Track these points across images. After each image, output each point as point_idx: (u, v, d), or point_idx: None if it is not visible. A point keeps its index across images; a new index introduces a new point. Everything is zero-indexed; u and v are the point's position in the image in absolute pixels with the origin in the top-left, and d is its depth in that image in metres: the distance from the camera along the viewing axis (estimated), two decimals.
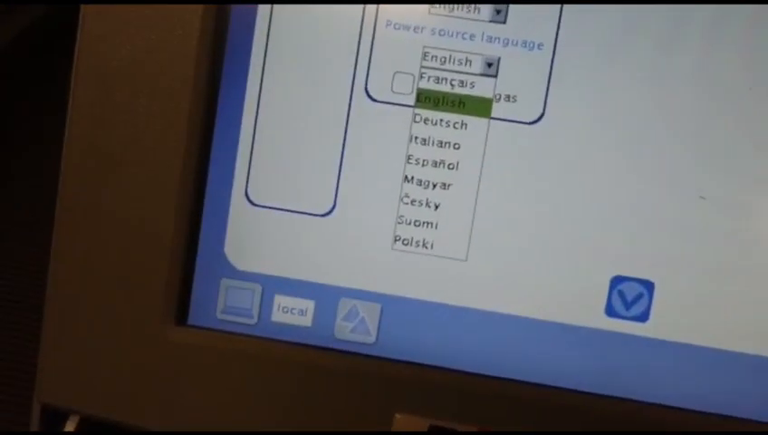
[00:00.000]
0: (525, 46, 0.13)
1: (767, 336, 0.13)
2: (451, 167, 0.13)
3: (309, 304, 0.14)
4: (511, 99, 0.13)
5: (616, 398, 0.13)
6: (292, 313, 0.14)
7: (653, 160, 0.13)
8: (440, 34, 0.13)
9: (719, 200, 0.13)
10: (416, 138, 0.13)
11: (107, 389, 0.14)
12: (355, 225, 0.14)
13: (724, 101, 0.13)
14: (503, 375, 0.14)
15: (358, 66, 0.13)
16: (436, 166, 0.13)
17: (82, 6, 0.13)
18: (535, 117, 0.13)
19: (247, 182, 0.14)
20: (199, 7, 0.13)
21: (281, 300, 0.14)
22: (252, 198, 0.14)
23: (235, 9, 0.13)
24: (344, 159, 0.13)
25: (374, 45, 0.13)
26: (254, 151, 0.14)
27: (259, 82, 0.13)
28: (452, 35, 0.13)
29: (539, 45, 0.13)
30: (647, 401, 0.13)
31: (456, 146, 0.13)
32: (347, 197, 0.14)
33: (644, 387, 0.13)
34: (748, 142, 0.13)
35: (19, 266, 0.20)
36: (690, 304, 0.13)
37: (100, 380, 0.14)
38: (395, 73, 0.13)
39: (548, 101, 0.13)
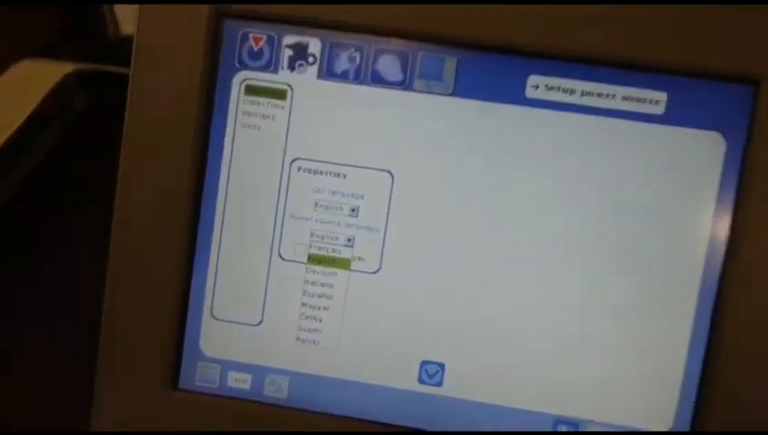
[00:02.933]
0: (369, 230, 0.23)
1: (538, 395, 0.23)
2: (329, 297, 0.23)
3: (247, 377, 0.24)
4: (361, 259, 0.23)
5: (429, 432, 0.23)
6: (239, 382, 0.24)
7: (449, 289, 0.23)
8: (321, 222, 0.23)
9: (494, 308, 0.23)
10: (307, 281, 0.23)
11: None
12: (276, 330, 0.23)
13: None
14: (366, 418, 0.23)
15: (274, 239, 0.23)
16: (320, 297, 0.23)
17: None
18: (375, 269, 0.23)
19: (212, 303, 0.24)
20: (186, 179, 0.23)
21: (232, 374, 0.24)
22: (215, 313, 0.24)
23: (205, 198, 0.23)
24: (267, 292, 0.23)
25: (284, 227, 0.23)
26: (216, 284, 0.24)
27: (218, 241, 0.23)
28: (327, 223, 0.23)
29: (376, 229, 0.23)
30: None
31: (331, 286, 0.23)
32: (272, 313, 0.23)
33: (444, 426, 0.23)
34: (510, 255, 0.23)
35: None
36: (471, 375, 0.23)
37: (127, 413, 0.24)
38: (295, 245, 0.23)
39: (382, 260, 0.23)
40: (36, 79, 0.41)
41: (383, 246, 0.23)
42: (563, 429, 0.23)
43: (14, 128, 0.36)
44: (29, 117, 0.39)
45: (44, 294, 0.31)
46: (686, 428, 0.22)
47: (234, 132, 0.23)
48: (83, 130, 0.39)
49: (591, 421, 0.23)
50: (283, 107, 0.23)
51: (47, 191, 0.37)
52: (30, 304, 0.31)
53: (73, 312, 0.29)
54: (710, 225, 0.22)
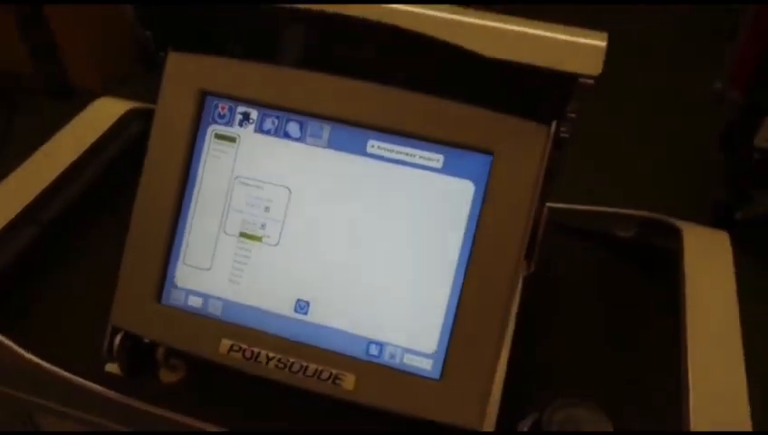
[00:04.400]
0: (274, 220, 0.40)
1: (363, 325, 0.39)
2: (248, 257, 0.40)
3: (199, 300, 0.40)
4: (268, 237, 0.40)
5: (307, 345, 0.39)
6: (195, 302, 0.41)
7: (316, 256, 0.39)
8: (248, 214, 0.40)
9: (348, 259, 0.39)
10: (237, 247, 0.40)
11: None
12: (217, 274, 0.40)
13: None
14: (262, 329, 0.40)
15: (222, 222, 0.40)
16: (243, 257, 0.40)
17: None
18: (275, 243, 0.40)
19: (184, 255, 0.41)
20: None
21: (191, 297, 0.41)
22: (185, 261, 0.41)
23: (186, 195, 0.41)
24: (215, 252, 0.40)
25: (228, 216, 0.40)
26: (187, 245, 0.41)
27: (191, 221, 0.41)
28: (251, 214, 0.40)
29: (278, 220, 0.40)
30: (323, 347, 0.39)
31: (250, 250, 0.40)
32: (216, 264, 0.40)
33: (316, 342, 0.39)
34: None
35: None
36: (326, 310, 0.39)
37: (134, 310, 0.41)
38: (233, 226, 0.40)
39: (280, 238, 0.39)
40: (107, 112, 0.61)
41: (281, 229, 0.40)
42: (373, 348, 0.38)
43: (88, 144, 0.55)
44: (100, 137, 0.58)
45: (97, 257, 0.49)
46: (443, 349, 0.37)
47: (206, 159, 0.40)
48: (137, 145, 0.57)
49: (389, 344, 0.38)
50: (233, 146, 0.40)
51: (105, 190, 0.56)
52: (90, 266, 0.50)
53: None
54: (464, 230, 0.37)
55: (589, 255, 0.54)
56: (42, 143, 0.57)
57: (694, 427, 0.37)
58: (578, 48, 0.32)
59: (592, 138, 1.43)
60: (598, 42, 0.32)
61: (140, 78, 1.47)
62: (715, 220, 1.15)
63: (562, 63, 0.32)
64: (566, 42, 0.32)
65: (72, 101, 1.46)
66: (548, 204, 0.53)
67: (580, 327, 0.49)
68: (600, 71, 0.31)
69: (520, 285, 0.51)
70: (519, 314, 0.49)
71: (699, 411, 0.38)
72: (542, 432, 0.39)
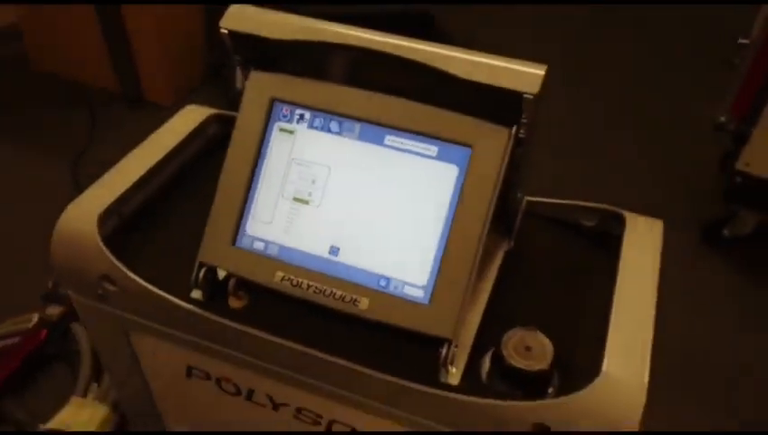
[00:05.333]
0: (318, 189, 0.56)
1: (377, 264, 0.55)
2: (298, 215, 0.57)
3: (262, 244, 0.57)
4: (313, 201, 0.56)
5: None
6: (259, 245, 0.57)
7: (347, 214, 0.56)
8: (299, 184, 0.57)
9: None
10: (291, 208, 0.57)
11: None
12: (275, 227, 0.57)
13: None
14: (304, 266, 0.56)
15: (281, 189, 0.57)
16: (296, 214, 0.57)
17: None
18: (318, 205, 0.56)
19: (253, 212, 0.58)
20: None
21: (256, 243, 0.57)
22: (253, 216, 0.58)
23: (256, 173, 0.58)
24: (276, 210, 0.57)
25: (285, 185, 0.57)
26: (256, 206, 0.58)
27: (258, 191, 0.58)
28: (302, 184, 0.57)
29: (321, 188, 0.56)
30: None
31: (299, 210, 0.57)
32: (276, 219, 0.57)
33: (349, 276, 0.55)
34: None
35: None
36: (351, 253, 0.55)
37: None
38: (289, 192, 0.57)
39: (321, 201, 0.56)
40: (193, 117, 0.79)
41: (322, 195, 0.56)
42: (382, 281, 0.54)
43: (177, 141, 0.73)
44: (185, 137, 0.76)
45: (189, 218, 0.67)
46: (432, 283, 0.53)
47: (272, 145, 0.58)
48: (215, 144, 0.75)
49: (393, 278, 0.54)
50: (291, 137, 0.57)
51: (193, 174, 0.74)
52: (185, 222, 0.67)
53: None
54: (449, 198, 0.53)
55: (559, 238, 0.69)
56: (122, 149, 0.73)
57: (608, 353, 0.52)
58: (523, 74, 0.48)
59: (596, 148, 1.57)
60: (538, 71, 0.48)
61: (205, 91, 1.69)
62: (705, 236, 1.28)
63: (514, 84, 0.48)
64: (517, 69, 0.48)
65: (145, 112, 1.68)
66: (528, 198, 0.68)
67: (543, 287, 0.64)
68: (536, 90, 0.47)
69: (501, 258, 0.66)
70: (498, 278, 0.64)
71: (614, 340, 0.52)
72: (500, 356, 0.54)
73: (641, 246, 0.61)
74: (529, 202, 0.68)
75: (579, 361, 0.55)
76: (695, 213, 1.30)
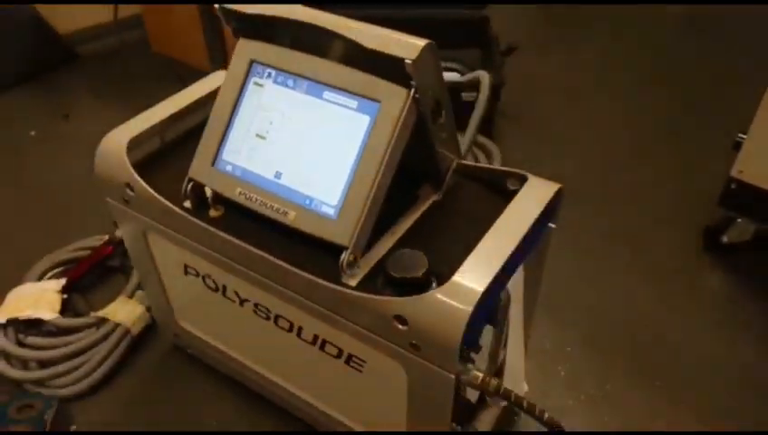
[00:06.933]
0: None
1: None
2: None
3: (231, 166, 0.77)
4: (268, 136, 0.75)
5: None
6: (229, 168, 0.77)
7: None
8: (261, 116, 0.76)
9: None
10: (252, 144, 0.76)
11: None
12: (239, 154, 0.76)
13: None
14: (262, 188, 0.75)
15: (249, 125, 0.76)
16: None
17: None
18: (271, 141, 0.75)
19: (227, 143, 0.77)
20: None
21: (226, 166, 0.77)
22: (227, 147, 0.77)
23: (235, 110, 0.77)
24: (243, 139, 0.76)
25: (251, 121, 0.76)
26: (231, 134, 0.77)
27: (234, 122, 0.77)
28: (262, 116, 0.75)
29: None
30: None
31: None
32: (244, 148, 0.76)
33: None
34: None
35: None
36: (290, 176, 0.73)
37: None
38: (248, 126, 0.76)
39: (273, 136, 0.74)
40: (218, 79, 0.99)
41: (274, 133, 0.75)
42: (307, 200, 0.72)
43: (203, 95, 0.94)
44: (210, 92, 0.97)
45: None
46: (341, 203, 0.69)
47: (247, 95, 0.77)
48: None
49: (315, 198, 0.71)
50: (261, 89, 0.76)
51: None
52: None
53: None
54: (361, 139, 0.70)
55: (481, 195, 0.82)
56: None
57: (460, 270, 0.66)
58: (406, 44, 0.64)
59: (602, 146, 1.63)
60: (420, 43, 0.64)
61: None
62: (705, 242, 1.32)
63: (398, 52, 0.64)
64: (403, 41, 0.64)
65: None
66: (464, 162, 0.83)
67: (448, 226, 0.78)
68: (414, 57, 0.63)
69: (428, 205, 0.82)
70: (418, 219, 0.80)
71: (469, 262, 0.66)
72: (385, 267, 0.69)
73: (527, 200, 0.74)
74: (462, 165, 0.83)
75: (448, 275, 0.69)
76: (698, 222, 1.35)
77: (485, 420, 0.85)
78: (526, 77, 1.92)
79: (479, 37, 1.81)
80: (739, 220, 1.24)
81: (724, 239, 1.27)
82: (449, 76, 1.59)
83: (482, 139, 1.52)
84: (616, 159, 1.63)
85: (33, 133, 1.76)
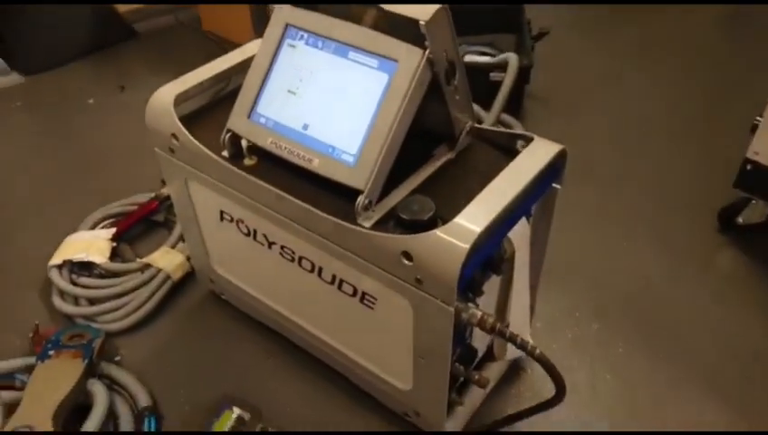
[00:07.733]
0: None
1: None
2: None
3: (266, 120, 0.85)
4: (298, 92, 0.83)
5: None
6: (262, 120, 0.85)
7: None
8: (292, 72, 0.84)
9: None
10: (284, 99, 0.84)
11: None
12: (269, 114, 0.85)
13: None
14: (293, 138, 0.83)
15: (282, 82, 0.85)
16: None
17: None
18: (300, 96, 0.83)
19: (261, 98, 0.86)
20: None
21: (261, 119, 0.86)
22: (261, 102, 0.86)
23: (271, 64, 0.86)
24: (275, 98, 0.85)
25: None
26: (266, 90, 0.86)
27: (270, 78, 0.86)
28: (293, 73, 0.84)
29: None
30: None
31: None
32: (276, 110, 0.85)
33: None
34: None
35: None
36: (316, 128, 0.81)
37: None
38: (282, 82, 0.84)
39: (303, 91, 0.83)
40: (254, 47, 1.08)
41: (304, 89, 0.83)
42: (330, 149, 0.80)
43: (245, 58, 1.03)
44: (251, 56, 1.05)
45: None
46: (359, 152, 0.77)
47: (281, 55, 0.85)
48: None
49: (336, 147, 0.79)
50: (294, 50, 0.85)
51: None
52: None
53: None
54: (380, 94, 0.77)
55: (492, 155, 0.89)
56: None
57: (462, 213, 0.73)
58: (424, 8, 0.71)
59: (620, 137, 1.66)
60: (433, 6, 0.71)
61: None
62: (721, 224, 1.35)
63: (413, 13, 0.71)
64: (418, 6, 0.71)
65: None
66: (476, 125, 0.90)
67: (459, 179, 0.85)
68: (427, 19, 0.70)
69: (442, 162, 0.89)
70: (433, 173, 0.87)
71: (471, 207, 0.73)
72: (394, 209, 0.77)
73: (530, 157, 0.81)
74: (476, 128, 0.90)
75: (452, 219, 0.76)
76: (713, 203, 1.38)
77: (491, 373, 0.92)
78: (559, 61, 1.96)
79: (511, 22, 1.86)
80: (754, 202, 1.27)
81: (740, 220, 1.30)
82: (481, 59, 1.65)
83: (507, 117, 1.58)
84: (641, 141, 1.66)
85: (90, 101, 1.89)
